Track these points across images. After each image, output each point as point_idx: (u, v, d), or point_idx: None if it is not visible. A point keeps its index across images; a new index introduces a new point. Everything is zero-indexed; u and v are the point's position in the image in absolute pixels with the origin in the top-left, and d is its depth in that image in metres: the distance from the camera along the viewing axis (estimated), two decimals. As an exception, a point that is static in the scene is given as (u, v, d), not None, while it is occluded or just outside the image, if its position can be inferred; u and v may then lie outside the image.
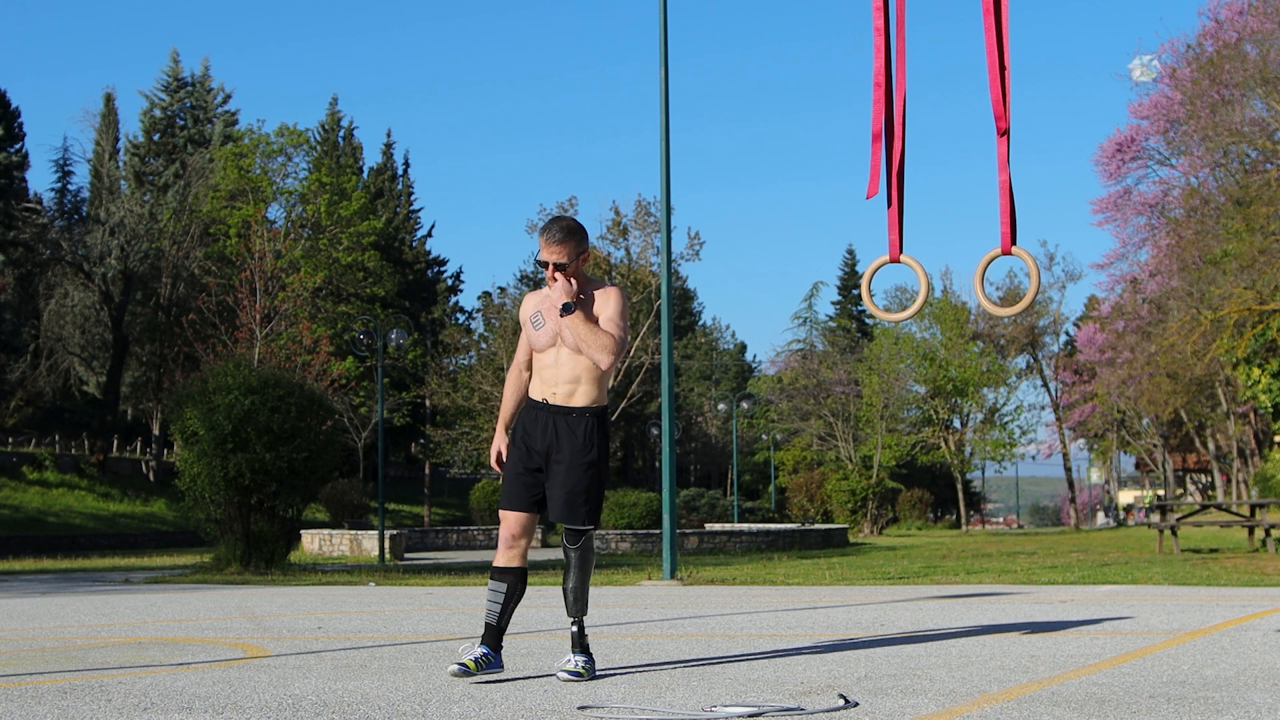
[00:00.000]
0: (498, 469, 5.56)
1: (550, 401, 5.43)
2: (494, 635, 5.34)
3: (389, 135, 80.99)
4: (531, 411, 5.48)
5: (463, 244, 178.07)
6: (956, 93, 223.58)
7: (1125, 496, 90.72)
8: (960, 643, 6.72)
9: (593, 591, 12.56)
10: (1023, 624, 7.91)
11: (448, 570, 18.21)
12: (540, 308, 5.52)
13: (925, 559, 19.44)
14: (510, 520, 5.43)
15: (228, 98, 61.78)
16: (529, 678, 5.40)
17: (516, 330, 50.20)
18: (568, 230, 5.43)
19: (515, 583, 5.40)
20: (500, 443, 5.58)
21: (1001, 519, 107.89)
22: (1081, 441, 68.81)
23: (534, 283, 75.17)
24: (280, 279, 38.42)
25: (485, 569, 17.28)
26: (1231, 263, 29.76)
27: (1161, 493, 67.94)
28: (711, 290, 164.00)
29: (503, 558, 5.42)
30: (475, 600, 11.05)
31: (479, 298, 66.33)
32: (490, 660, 5.27)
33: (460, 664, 5.17)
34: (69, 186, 59.49)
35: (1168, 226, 34.60)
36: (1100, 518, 70.16)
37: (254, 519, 17.20)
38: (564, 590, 5.45)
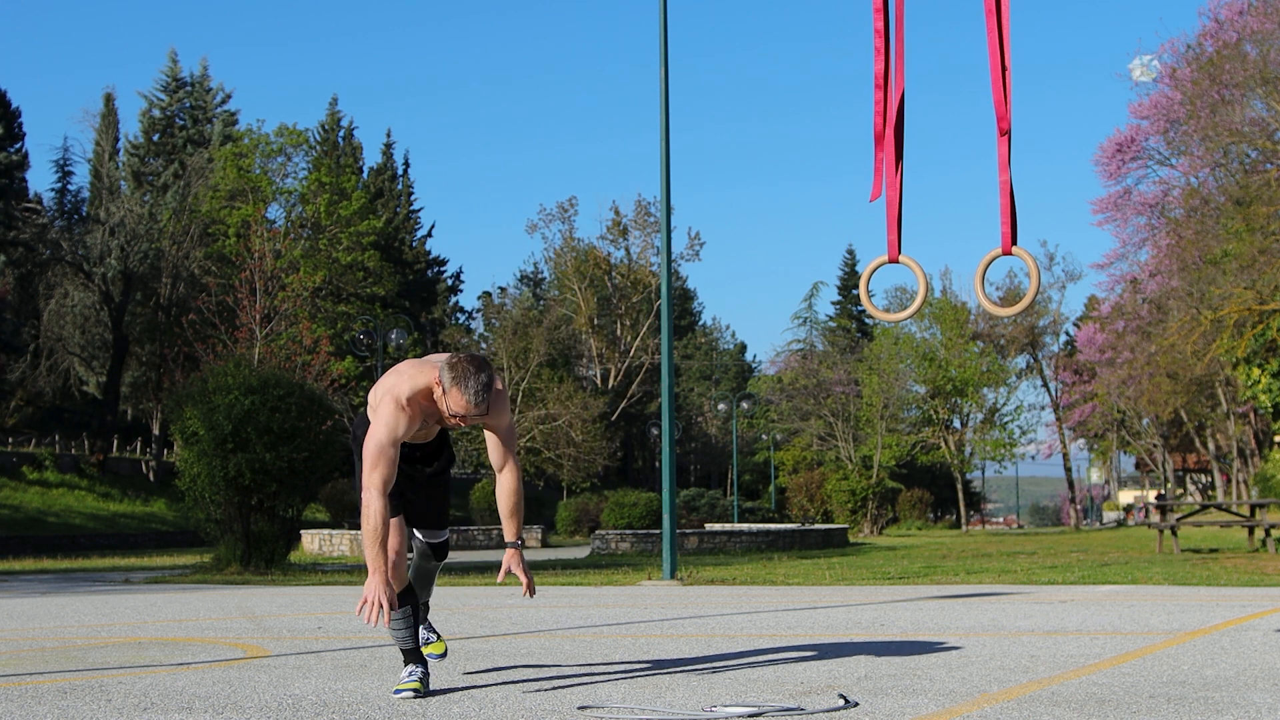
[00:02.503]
0: (374, 625, 4.66)
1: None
2: (417, 654, 5.09)
3: (389, 135, 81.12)
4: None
5: (463, 244, 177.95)
6: (956, 93, 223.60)
7: (1125, 496, 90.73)
8: (960, 643, 6.72)
9: (593, 591, 12.58)
10: (1022, 624, 7.91)
11: (447, 570, 18.19)
12: (427, 419, 4.92)
13: (925, 559, 19.44)
14: (396, 528, 4.98)
15: (227, 98, 61.80)
16: (528, 680, 5.40)
17: (516, 330, 50.29)
18: (492, 391, 4.82)
19: (414, 600, 5.16)
20: (384, 591, 4.63)
21: (1001, 519, 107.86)
22: (1081, 441, 68.81)
23: (534, 282, 75.43)
24: (280, 279, 38.41)
25: (485, 569, 17.28)
26: (1231, 263, 29.76)
27: (1161, 492, 67.94)
28: (711, 290, 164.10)
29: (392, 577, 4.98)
30: (475, 600, 11.04)
31: (479, 298, 66.49)
32: (429, 674, 5.07)
33: (412, 690, 4.90)
34: (69, 186, 59.49)
35: (1168, 226, 34.59)
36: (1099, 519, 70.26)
37: (254, 519, 17.21)
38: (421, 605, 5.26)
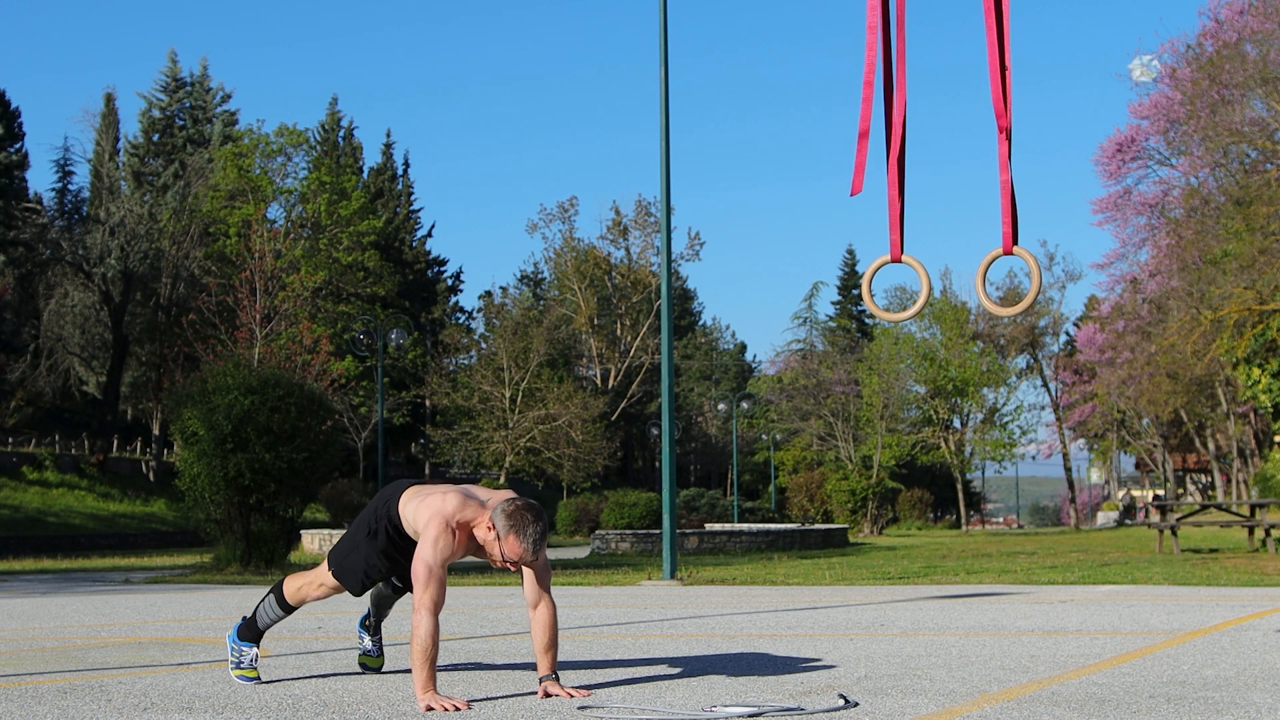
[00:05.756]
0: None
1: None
2: (260, 636, 5.53)
3: (389, 135, 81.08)
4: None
5: (463, 244, 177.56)
6: (956, 93, 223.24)
7: (1120, 496, 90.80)
8: (960, 643, 6.72)
9: (593, 591, 12.59)
10: (1023, 624, 7.91)
11: (449, 570, 18.17)
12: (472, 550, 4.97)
13: (925, 559, 19.43)
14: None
15: (227, 98, 61.77)
16: (529, 680, 5.40)
17: (516, 330, 50.27)
18: (546, 533, 4.87)
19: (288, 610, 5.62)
20: (442, 702, 4.56)
21: (1001, 519, 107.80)
22: (1081, 441, 68.76)
23: (534, 282, 75.38)
24: (280, 279, 38.43)
25: (485, 569, 17.26)
26: (1231, 263, 29.75)
27: (1159, 493, 67.92)
28: (711, 290, 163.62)
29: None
30: (475, 600, 11.05)
31: (479, 298, 66.46)
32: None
33: (252, 677, 5.32)
34: (69, 186, 59.48)
35: (1168, 226, 34.58)
36: (1100, 517, 70.12)
37: (254, 519, 17.20)
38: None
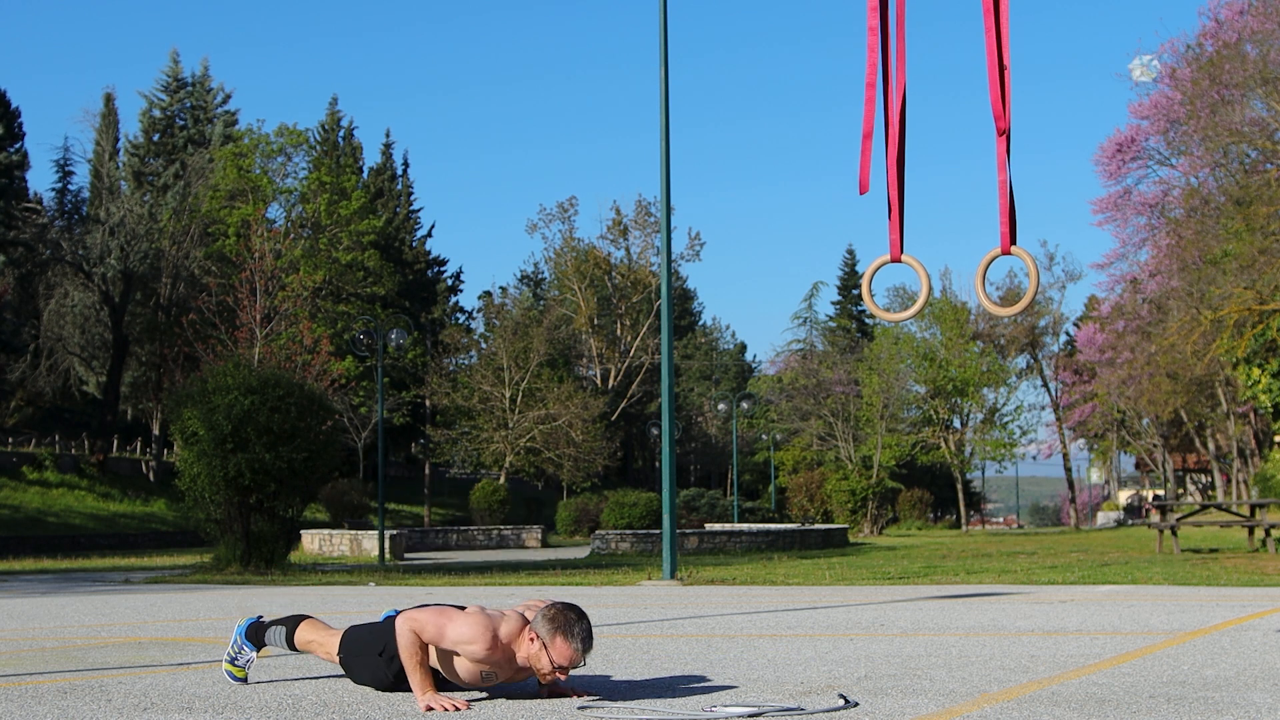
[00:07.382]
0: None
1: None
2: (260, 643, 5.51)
3: (389, 135, 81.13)
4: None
5: (463, 244, 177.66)
6: (956, 93, 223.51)
7: (1126, 496, 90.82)
8: (960, 643, 6.72)
9: (593, 591, 12.61)
10: (1023, 624, 7.91)
11: (448, 570, 18.21)
12: (495, 670, 4.78)
13: (925, 559, 19.43)
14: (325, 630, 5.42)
15: (227, 98, 61.75)
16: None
17: (516, 330, 50.28)
18: (592, 631, 4.71)
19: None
20: (442, 701, 4.61)
21: (1001, 519, 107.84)
22: (1081, 441, 68.76)
23: (534, 282, 75.34)
24: (280, 279, 38.42)
25: (485, 569, 17.29)
26: (1231, 263, 29.75)
27: (1158, 493, 67.91)
28: (711, 290, 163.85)
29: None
30: (475, 600, 11.05)
31: (479, 298, 66.42)
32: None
33: (241, 677, 5.30)
34: (69, 186, 59.45)
35: (1168, 226, 34.59)
36: (1100, 517, 70.12)
37: (254, 519, 17.21)
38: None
